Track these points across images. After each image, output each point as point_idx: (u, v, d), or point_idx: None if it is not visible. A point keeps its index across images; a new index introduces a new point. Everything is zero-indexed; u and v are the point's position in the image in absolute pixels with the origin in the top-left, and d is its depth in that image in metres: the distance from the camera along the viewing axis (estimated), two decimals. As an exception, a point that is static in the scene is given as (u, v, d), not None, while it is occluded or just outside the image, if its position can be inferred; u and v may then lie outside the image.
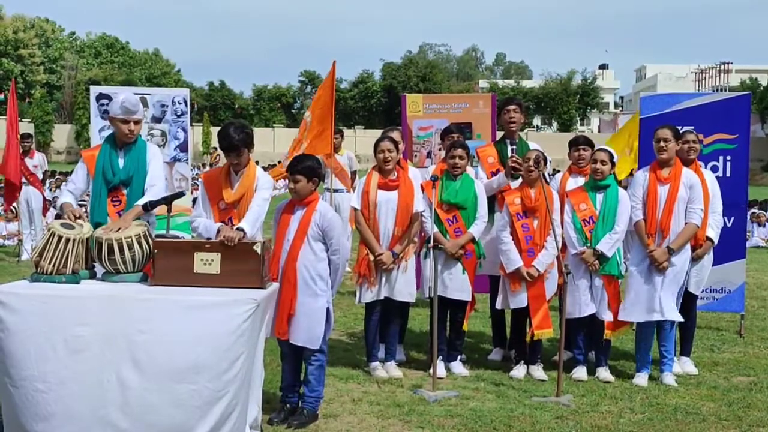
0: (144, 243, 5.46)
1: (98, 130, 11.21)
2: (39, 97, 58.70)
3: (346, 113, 65.06)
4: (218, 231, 5.57)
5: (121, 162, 6.15)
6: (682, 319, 7.08)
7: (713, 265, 7.68)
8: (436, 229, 6.99)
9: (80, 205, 6.36)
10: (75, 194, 6.22)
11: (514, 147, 7.84)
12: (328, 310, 5.89)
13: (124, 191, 6.13)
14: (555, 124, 70.83)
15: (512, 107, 7.88)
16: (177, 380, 4.81)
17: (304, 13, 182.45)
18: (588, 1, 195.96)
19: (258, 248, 5.26)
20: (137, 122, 6.17)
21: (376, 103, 67.60)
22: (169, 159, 11.26)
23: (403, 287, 7.06)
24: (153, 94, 11.82)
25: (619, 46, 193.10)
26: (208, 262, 5.24)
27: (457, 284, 7.12)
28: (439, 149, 8.67)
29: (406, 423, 5.91)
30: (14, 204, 15.14)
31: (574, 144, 7.74)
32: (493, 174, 7.72)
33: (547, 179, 7.04)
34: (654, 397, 6.64)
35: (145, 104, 11.22)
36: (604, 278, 7.02)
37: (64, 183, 6.59)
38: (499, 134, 8.50)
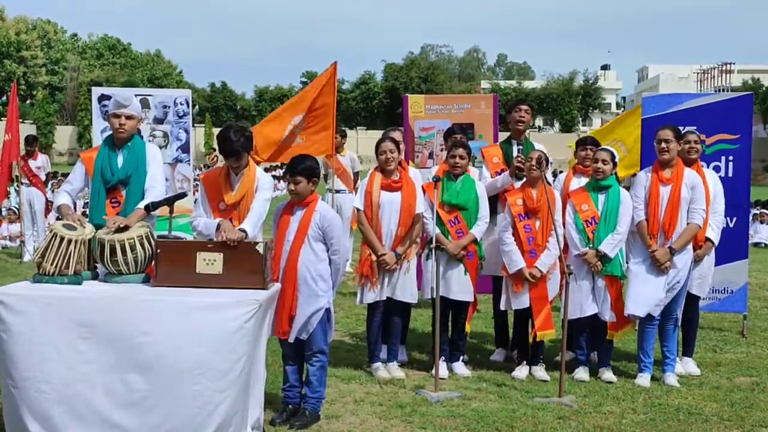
0: (146, 244, 5.46)
1: (100, 132, 11.22)
2: (41, 99, 58.79)
3: (348, 114, 65.10)
4: (218, 226, 5.59)
5: (119, 162, 6.14)
6: (656, 314, 7.06)
7: (715, 265, 7.67)
8: (438, 230, 6.99)
9: (86, 203, 6.37)
10: (71, 194, 6.21)
11: (520, 147, 7.84)
12: (328, 310, 5.89)
13: (123, 191, 6.12)
14: (557, 125, 70.82)
15: (524, 107, 7.92)
16: (179, 381, 4.81)
17: (305, 14, 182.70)
18: (590, 1, 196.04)
19: (260, 248, 5.26)
20: (129, 117, 6.14)
21: (377, 104, 67.60)
22: (170, 160, 11.27)
23: (406, 288, 7.06)
24: (155, 95, 11.85)
25: (621, 46, 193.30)
26: (210, 262, 5.25)
27: (460, 285, 7.12)
28: (441, 150, 8.67)
29: (408, 424, 5.90)
30: (16, 205, 15.17)
31: (582, 143, 7.76)
32: (498, 174, 7.72)
33: (549, 180, 7.03)
34: (656, 397, 6.64)
35: (147, 105, 11.24)
36: (607, 279, 7.01)
37: (62, 183, 6.64)
38: (504, 134, 8.51)
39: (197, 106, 56.23)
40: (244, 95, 71.58)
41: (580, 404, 6.40)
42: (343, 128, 13.67)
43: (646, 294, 6.92)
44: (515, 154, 7.75)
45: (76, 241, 5.31)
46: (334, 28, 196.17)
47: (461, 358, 7.41)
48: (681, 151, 7.13)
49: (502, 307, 7.43)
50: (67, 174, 7.03)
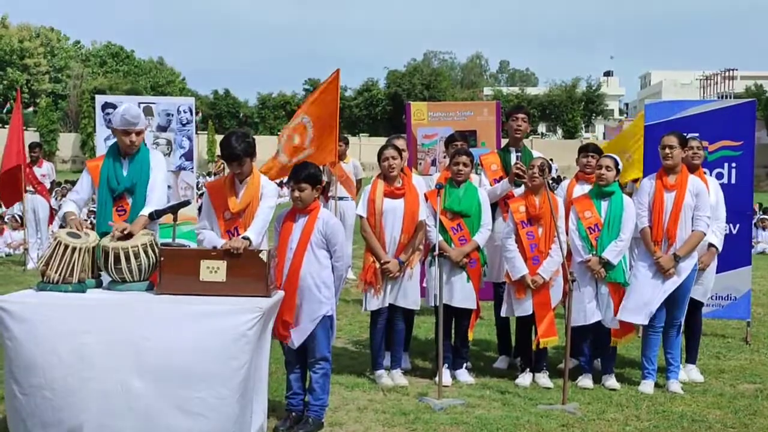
0: (150, 252, 5.47)
1: (103, 139, 11.25)
2: (44, 106, 58.86)
3: (351, 121, 65.12)
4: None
5: (125, 171, 6.16)
6: (645, 323, 7.04)
7: (719, 272, 7.67)
8: (440, 238, 6.99)
9: (90, 212, 6.37)
10: (78, 204, 6.24)
11: (518, 155, 7.87)
12: (331, 317, 5.90)
13: (129, 200, 6.14)
14: (560, 131, 70.85)
15: (521, 115, 7.95)
16: (183, 388, 4.83)
17: (307, 22, 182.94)
18: (592, 8, 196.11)
19: (263, 256, 5.28)
20: (138, 133, 6.16)
21: (380, 111, 67.62)
22: (174, 168, 11.29)
23: (409, 295, 7.07)
24: (158, 103, 11.87)
25: (623, 53, 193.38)
26: (214, 270, 5.26)
27: (462, 292, 7.12)
28: (444, 157, 8.68)
29: (411, 431, 5.90)
30: (20, 212, 15.18)
31: (583, 150, 7.76)
32: (496, 181, 7.74)
33: (551, 186, 7.03)
34: (660, 404, 6.63)
35: (150, 113, 11.26)
36: (610, 286, 7.01)
37: (69, 192, 6.65)
38: (503, 142, 8.52)
39: (200, 114, 56.33)
40: (247, 102, 71.74)
41: (584, 411, 6.39)
42: (346, 135, 13.66)
43: (646, 301, 6.91)
44: (513, 161, 7.77)
45: (80, 249, 5.32)
46: (336, 36, 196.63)
47: (464, 365, 7.40)
48: (684, 158, 7.13)
49: (504, 314, 7.42)
50: (72, 181, 7.06)
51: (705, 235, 7.02)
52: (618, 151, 10.06)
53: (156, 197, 6.09)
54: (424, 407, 6.42)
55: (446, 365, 7.10)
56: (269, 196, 5.94)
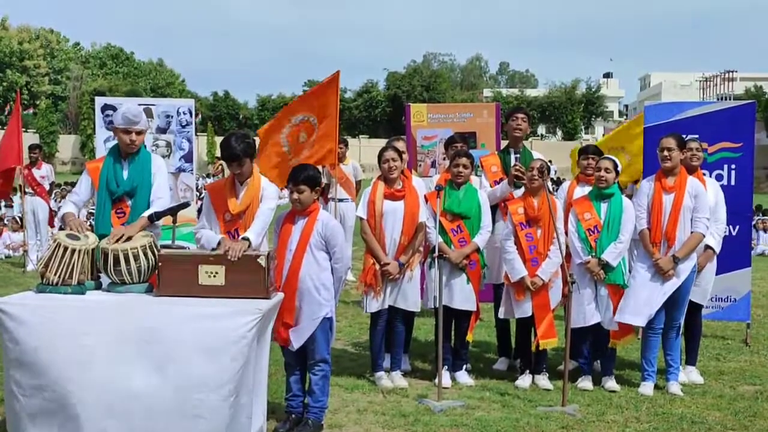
0: (150, 254, 5.47)
1: (103, 141, 11.27)
2: (44, 108, 58.88)
3: (351, 123, 65.14)
4: (219, 243, 5.58)
5: (125, 173, 6.17)
6: (644, 324, 7.04)
7: (718, 273, 7.67)
8: (440, 239, 6.99)
9: (90, 213, 6.38)
10: (78, 205, 6.24)
11: (518, 156, 7.88)
12: (330, 319, 5.89)
13: (128, 202, 6.14)
14: (559, 133, 70.90)
15: (520, 115, 7.96)
16: (182, 389, 4.83)
17: (307, 23, 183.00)
18: (592, 9, 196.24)
19: (262, 261, 5.26)
20: (139, 133, 6.17)
21: (380, 113, 67.66)
22: (174, 169, 11.31)
23: (409, 296, 7.06)
24: (158, 104, 11.90)
25: (623, 54, 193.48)
26: (212, 275, 5.25)
27: (462, 294, 7.11)
28: (444, 159, 8.69)
29: (411, 433, 5.91)
30: (19, 214, 15.18)
31: (584, 152, 7.76)
32: (497, 183, 7.74)
33: (550, 189, 7.03)
34: (660, 406, 6.63)
35: (150, 115, 11.28)
36: (609, 288, 7.00)
37: (69, 194, 6.67)
38: (503, 143, 8.53)
39: (200, 116, 56.39)
40: (247, 104, 71.72)
41: (584, 413, 6.39)
42: (345, 137, 13.66)
43: (645, 302, 6.91)
44: (513, 162, 7.78)
45: (79, 251, 5.32)
46: (336, 37, 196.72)
47: (464, 367, 7.40)
48: (683, 159, 7.13)
49: (504, 316, 7.42)
50: (71, 183, 7.07)
51: (704, 236, 7.02)
52: (614, 146, 10.07)
53: (161, 204, 6.08)
54: (423, 409, 6.42)
55: (446, 367, 7.10)
56: (269, 197, 5.94)
